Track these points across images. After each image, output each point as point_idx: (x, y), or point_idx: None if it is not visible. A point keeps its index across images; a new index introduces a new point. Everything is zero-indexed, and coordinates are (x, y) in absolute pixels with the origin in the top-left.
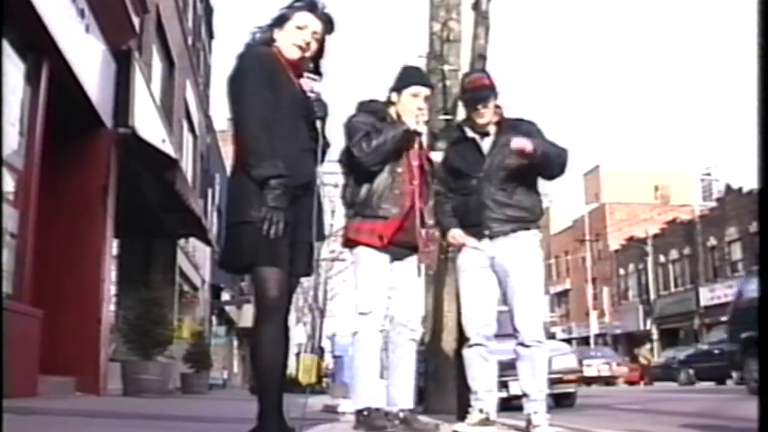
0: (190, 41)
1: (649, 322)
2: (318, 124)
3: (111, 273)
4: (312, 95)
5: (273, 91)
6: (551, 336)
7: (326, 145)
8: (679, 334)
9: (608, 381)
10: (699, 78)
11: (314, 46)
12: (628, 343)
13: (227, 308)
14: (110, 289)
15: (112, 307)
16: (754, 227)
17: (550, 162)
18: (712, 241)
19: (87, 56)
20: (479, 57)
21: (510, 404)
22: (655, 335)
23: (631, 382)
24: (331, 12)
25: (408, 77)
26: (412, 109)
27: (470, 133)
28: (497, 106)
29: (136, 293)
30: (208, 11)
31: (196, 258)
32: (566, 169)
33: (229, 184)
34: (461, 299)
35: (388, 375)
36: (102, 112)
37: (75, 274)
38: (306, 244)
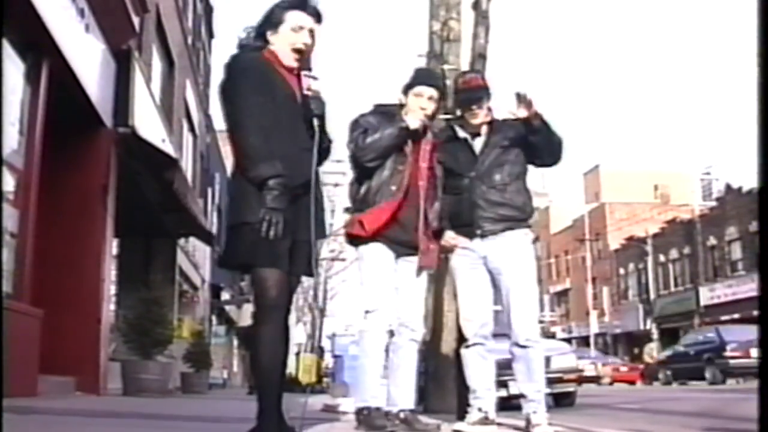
0: (190, 41)
1: (649, 321)
2: (316, 122)
3: (111, 272)
4: (310, 93)
5: (267, 93)
6: (551, 336)
7: (328, 142)
8: (679, 333)
9: (593, 380)
10: (699, 78)
11: (312, 44)
12: (628, 342)
13: (227, 308)
14: (110, 288)
15: (112, 307)
16: (754, 227)
17: (548, 137)
18: (712, 241)
19: (87, 56)
20: (479, 56)
21: (509, 403)
22: (654, 335)
23: (631, 382)
24: (317, 2)
25: (414, 78)
26: (415, 109)
27: (461, 133)
28: (489, 108)
29: (136, 293)
30: (208, 11)
31: (196, 258)
32: (561, 157)
33: (230, 185)
34: (458, 300)
35: (389, 375)
36: (102, 112)
37: (75, 273)
38: (306, 244)
